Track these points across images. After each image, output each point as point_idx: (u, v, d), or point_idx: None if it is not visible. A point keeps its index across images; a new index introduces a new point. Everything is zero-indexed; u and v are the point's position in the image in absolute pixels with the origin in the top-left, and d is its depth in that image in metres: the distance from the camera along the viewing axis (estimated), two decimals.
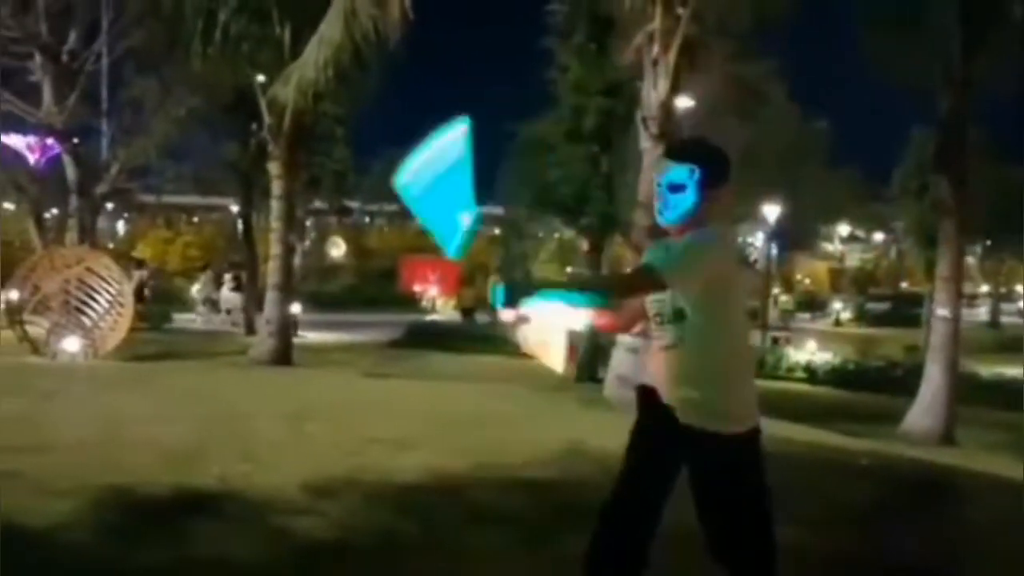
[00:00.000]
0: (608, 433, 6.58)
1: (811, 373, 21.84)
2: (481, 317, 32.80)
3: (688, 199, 3.02)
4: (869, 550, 5.06)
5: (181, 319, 27.15)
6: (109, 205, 40.51)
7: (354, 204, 51.27)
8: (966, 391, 16.19)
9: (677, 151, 3.15)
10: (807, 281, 66.76)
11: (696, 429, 2.99)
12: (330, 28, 12.69)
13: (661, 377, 3.08)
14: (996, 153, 39.25)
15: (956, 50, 13.83)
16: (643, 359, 3.09)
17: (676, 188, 3.03)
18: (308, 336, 23.78)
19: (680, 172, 3.03)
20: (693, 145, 3.27)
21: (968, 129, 14.26)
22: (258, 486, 5.28)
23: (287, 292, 15.00)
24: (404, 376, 14.21)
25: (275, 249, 14.88)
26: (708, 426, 2.98)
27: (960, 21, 13.76)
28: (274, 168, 14.77)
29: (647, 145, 12.24)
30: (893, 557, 4.94)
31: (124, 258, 35.21)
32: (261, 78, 14.73)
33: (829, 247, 68.80)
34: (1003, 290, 62.99)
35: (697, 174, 3.02)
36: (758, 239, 54.92)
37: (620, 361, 11.76)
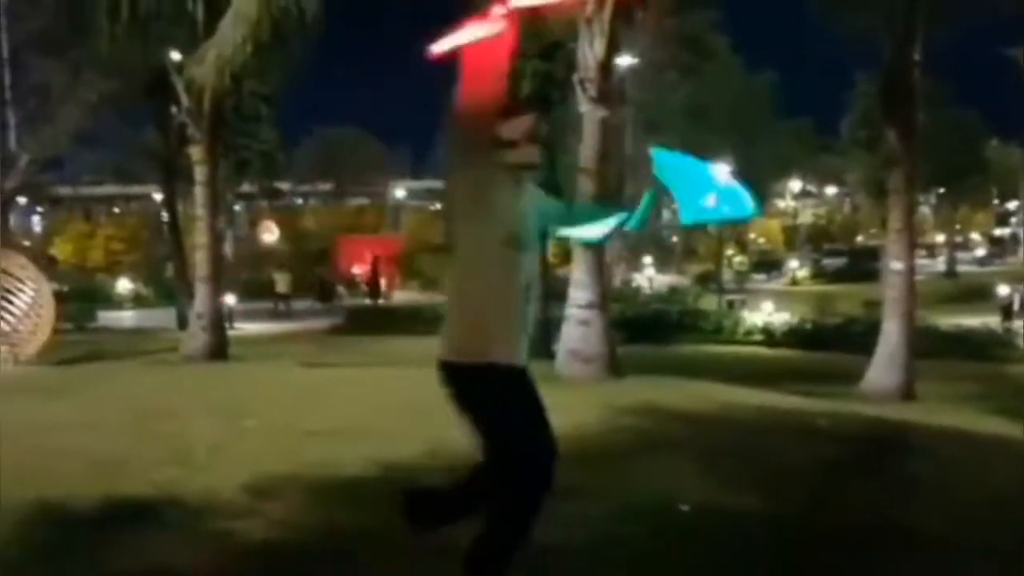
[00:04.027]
0: (560, 411, 6.64)
1: (768, 335, 22.18)
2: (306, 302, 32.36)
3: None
4: (825, 511, 5.18)
5: (106, 317, 26.79)
6: (21, 200, 39.76)
7: (285, 186, 50.81)
8: (926, 344, 16.56)
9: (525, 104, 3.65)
10: (761, 240, 67.57)
11: None
12: (246, 3, 12.49)
13: None
14: (947, 99, 40.11)
15: None
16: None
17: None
18: (244, 327, 23.59)
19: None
20: None
21: (914, 77, 14.45)
22: (193, 490, 5.24)
23: (218, 283, 14.84)
24: (347, 364, 14.16)
25: (202, 239, 14.68)
26: None
27: None
28: (196, 153, 14.56)
29: (586, 108, 12.24)
30: (850, 517, 5.08)
31: (43, 256, 34.59)
32: (177, 57, 14.47)
33: (781, 204, 69.60)
34: (959, 239, 64.36)
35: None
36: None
37: (570, 335, 11.83)
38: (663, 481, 5.54)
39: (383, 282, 37.30)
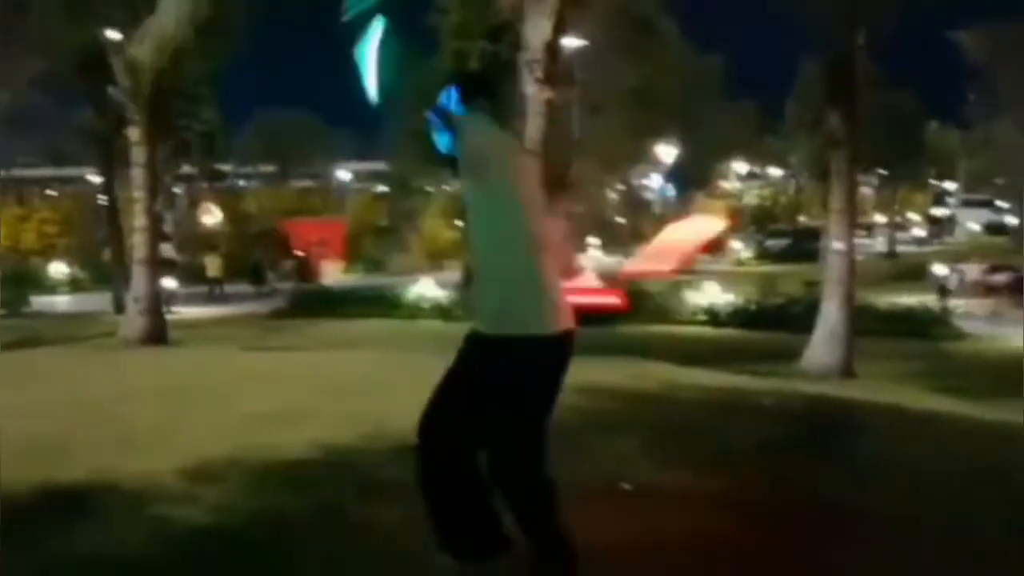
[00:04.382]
0: None
1: (713, 315, 22.45)
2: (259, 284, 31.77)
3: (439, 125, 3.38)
4: (770, 489, 5.26)
5: (40, 302, 26.32)
6: None
7: (227, 167, 50.18)
8: (865, 323, 16.92)
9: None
10: None
11: None
12: None
13: None
14: (887, 82, 40.79)
15: None
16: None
17: (440, 112, 3.38)
18: (184, 311, 23.32)
19: (445, 95, 3.41)
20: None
21: (858, 60, 14.69)
22: (132, 476, 5.18)
23: (155, 267, 14.66)
24: (289, 347, 14.09)
25: (139, 221, 14.49)
26: None
27: None
28: (134, 134, 14.33)
29: (532, 90, 12.26)
30: (796, 495, 5.16)
31: None
32: (114, 36, 14.20)
33: (727, 185, 70.29)
34: (898, 219, 65.52)
35: (454, 92, 3.40)
36: (654, 181, 55.87)
37: None
38: (607, 461, 5.59)
39: (318, 264, 37.04)
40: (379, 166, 52.61)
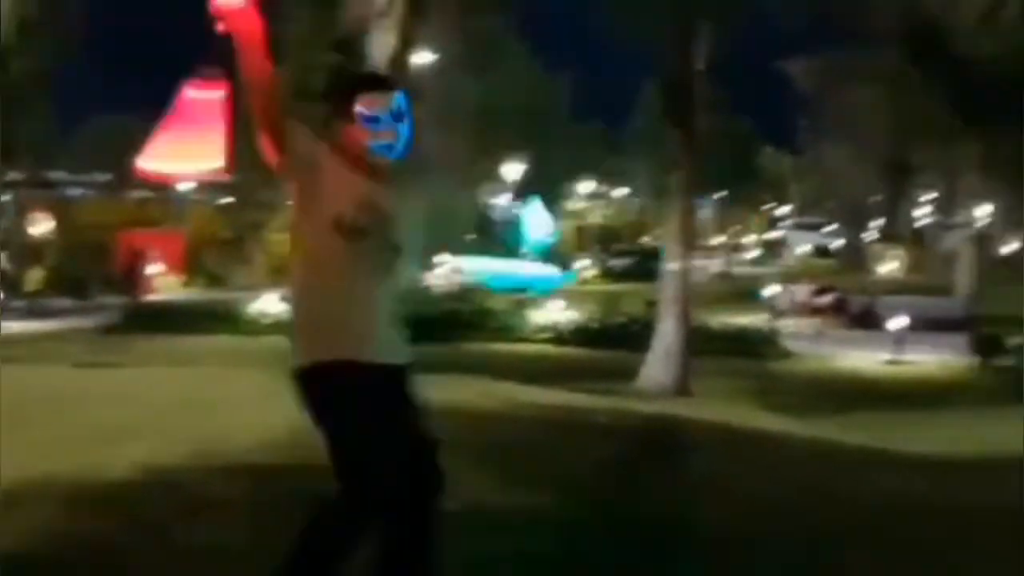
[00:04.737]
0: None
1: (556, 333, 22.77)
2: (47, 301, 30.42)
3: (408, 125, 3.03)
4: (600, 508, 5.36)
5: None
6: None
7: (59, 175, 48.03)
8: (700, 342, 17.53)
9: (388, 78, 3.18)
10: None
11: None
12: None
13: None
14: (725, 108, 42.56)
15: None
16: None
17: (400, 116, 3.01)
18: (5, 326, 22.15)
19: (402, 99, 3.04)
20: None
21: (695, 85, 15.27)
22: None
23: None
24: (121, 364, 13.53)
25: None
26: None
27: None
28: None
29: None
30: (627, 513, 5.27)
31: None
32: None
33: (572, 205, 71.49)
34: (736, 242, 68.23)
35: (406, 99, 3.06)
36: (501, 200, 56.39)
37: None
38: None
39: (148, 278, 35.77)
40: (222, 177, 51.25)
